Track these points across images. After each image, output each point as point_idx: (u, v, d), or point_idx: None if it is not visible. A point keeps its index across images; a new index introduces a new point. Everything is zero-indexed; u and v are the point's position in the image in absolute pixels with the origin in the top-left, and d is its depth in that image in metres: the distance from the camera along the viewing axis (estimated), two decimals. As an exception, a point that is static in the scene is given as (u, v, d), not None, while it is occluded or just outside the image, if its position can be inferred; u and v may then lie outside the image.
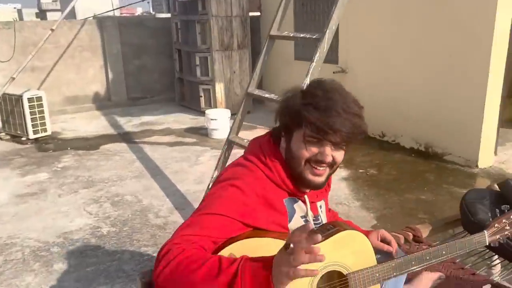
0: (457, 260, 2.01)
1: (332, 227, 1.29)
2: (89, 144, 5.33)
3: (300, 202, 1.33)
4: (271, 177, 1.27)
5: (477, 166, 4.19)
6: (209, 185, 3.17)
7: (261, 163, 1.28)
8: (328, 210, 1.50)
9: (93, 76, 7.19)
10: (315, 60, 2.63)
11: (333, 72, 5.27)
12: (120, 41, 7.20)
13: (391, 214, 3.40)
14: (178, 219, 3.33)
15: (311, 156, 1.23)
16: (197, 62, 6.34)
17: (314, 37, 2.71)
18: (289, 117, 1.23)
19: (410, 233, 2.19)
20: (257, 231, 1.23)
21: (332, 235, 1.25)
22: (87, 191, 3.90)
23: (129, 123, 6.24)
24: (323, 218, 1.40)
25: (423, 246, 2.12)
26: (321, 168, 1.25)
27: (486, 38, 3.91)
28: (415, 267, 1.33)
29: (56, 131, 5.90)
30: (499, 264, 2.16)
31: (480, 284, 1.84)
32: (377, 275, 1.28)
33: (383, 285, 1.40)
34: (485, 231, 1.43)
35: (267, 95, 2.94)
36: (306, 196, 1.33)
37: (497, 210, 1.50)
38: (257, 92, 3.02)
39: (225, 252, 1.17)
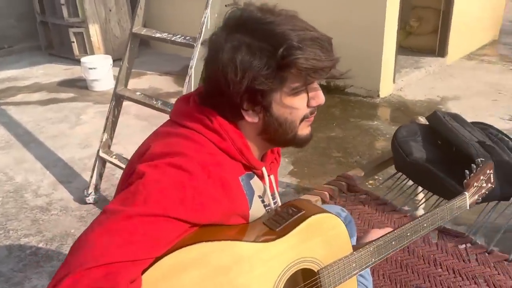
0: (397, 208, 1.85)
1: (296, 210, 0.95)
2: None
3: (255, 178, 0.96)
4: (222, 147, 0.87)
5: (378, 96, 4.17)
6: (98, 151, 2.61)
7: (206, 128, 0.87)
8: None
9: None
10: (215, -12, 2.15)
11: (225, 5, 4.76)
12: (-45, -21, 5.77)
13: (305, 156, 3.19)
14: (64, 196, 2.75)
15: (307, 107, 0.91)
16: (62, 1, 5.31)
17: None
18: (259, 80, 0.83)
19: (343, 183, 1.96)
20: (206, 230, 0.84)
21: (298, 223, 0.91)
22: None
23: (-15, 81, 5.14)
24: (277, 196, 1.05)
25: (360, 196, 1.91)
26: (314, 115, 0.95)
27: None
28: (395, 248, 1.06)
29: None
30: (423, 199, 2.05)
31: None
32: (354, 265, 0.98)
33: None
34: (465, 193, 1.20)
35: (158, 35, 2.40)
36: (264, 168, 0.96)
37: (473, 166, 1.27)
38: (145, 31, 2.46)
39: (151, 275, 0.76)
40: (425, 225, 1.10)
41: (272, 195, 1.02)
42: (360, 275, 1.32)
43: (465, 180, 1.23)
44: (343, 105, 4.08)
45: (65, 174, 3.01)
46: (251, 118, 0.88)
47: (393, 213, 1.80)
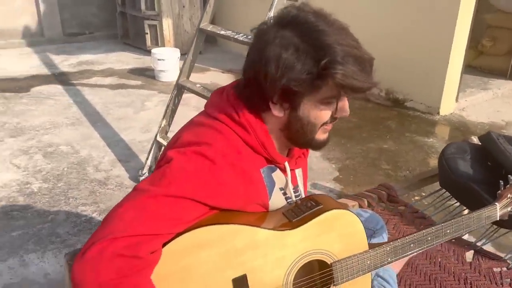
0: (435, 224, 1.83)
1: (314, 204, 1.00)
2: (19, 85, 4.69)
3: (278, 171, 1.02)
4: (247, 140, 0.94)
5: (438, 113, 4.06)
6: (156, 135, 2.79)
7: (233, 121, 0.94)
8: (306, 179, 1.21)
9: (21, 8, 6.30)
10: (280, -9, 2.24)
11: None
12: (51, -33, 6.31)
13: (353, 165, 3.20)
14: (121, 173, 2.96)
15: (330, 117, 0.95)
16: (142, -6, 5.66)
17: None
18: (296, 82, 0.88)
19: (384, 192, 1.97)
20: (227, 214, 0.92)
21: (315, 216, 0.97)
22: (15, 141, 3.40)
23: (65, 62, 5.57)
24: (302, 189, 1.11)
25: (399, 206, 1.92)
26: (334, 123, 0.99)
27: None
28: (414, 250, 1.08)
29: (-22, 70, 5.17)
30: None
31: (463, 250, 1.67)
32: (368, 262, 1.02)
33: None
34: (496, 203, 1.20)
35: (222, 32, 2.53)
36: (286, 163, 1.02)
37: (509, 177, 1.26)
38: (211, 28, 2.60)
39: (171, 249, 0.86)
40: (448, 231, 1.11)
41: (294, 188, 1.07)
42: (387, 281, 1.35)
43: (499, 191, 1.22)
44: (400, 119, 4.02)
45: (124, 153, 3.23)
46: (277, 111, 0.94)
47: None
